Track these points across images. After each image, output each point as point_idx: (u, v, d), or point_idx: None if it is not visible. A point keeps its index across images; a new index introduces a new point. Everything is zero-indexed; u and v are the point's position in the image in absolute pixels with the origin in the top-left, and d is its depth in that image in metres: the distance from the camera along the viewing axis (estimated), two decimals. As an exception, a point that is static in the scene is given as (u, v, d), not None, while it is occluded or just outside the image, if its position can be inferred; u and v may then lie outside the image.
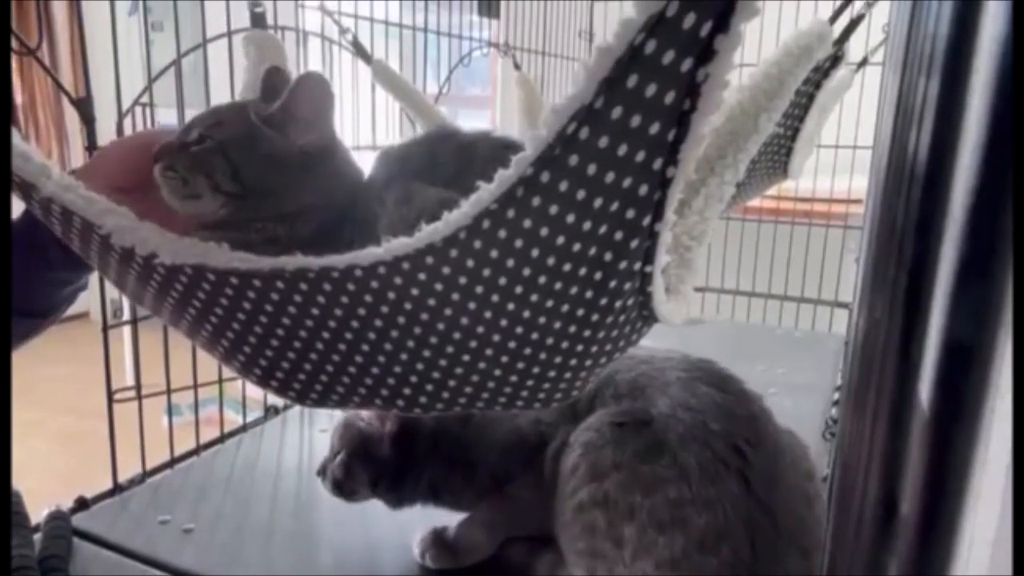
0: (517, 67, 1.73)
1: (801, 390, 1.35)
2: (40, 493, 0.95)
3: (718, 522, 0.64)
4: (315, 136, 0.61)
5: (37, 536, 0.87)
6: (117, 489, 1.01)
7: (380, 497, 0.83)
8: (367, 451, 0.82)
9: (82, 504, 0.96)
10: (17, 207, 0.62)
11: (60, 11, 3.30)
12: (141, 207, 0.55)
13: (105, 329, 0.98)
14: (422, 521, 0.89)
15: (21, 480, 0.86)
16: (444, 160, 0.60)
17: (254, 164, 0.59)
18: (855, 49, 1.17)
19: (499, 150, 0.56)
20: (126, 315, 1.06)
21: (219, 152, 0.59)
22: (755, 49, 0.85)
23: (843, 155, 1.85)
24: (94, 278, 0.95)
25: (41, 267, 0.67)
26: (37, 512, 0.91)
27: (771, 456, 0.69)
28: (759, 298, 1.98)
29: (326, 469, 0.85)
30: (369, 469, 0.82)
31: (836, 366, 1.49)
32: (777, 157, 1.13)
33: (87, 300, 0.81)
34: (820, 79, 1.04)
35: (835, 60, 1.03)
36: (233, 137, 0.60)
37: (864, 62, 1.39)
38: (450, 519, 0.88)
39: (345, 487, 0.84)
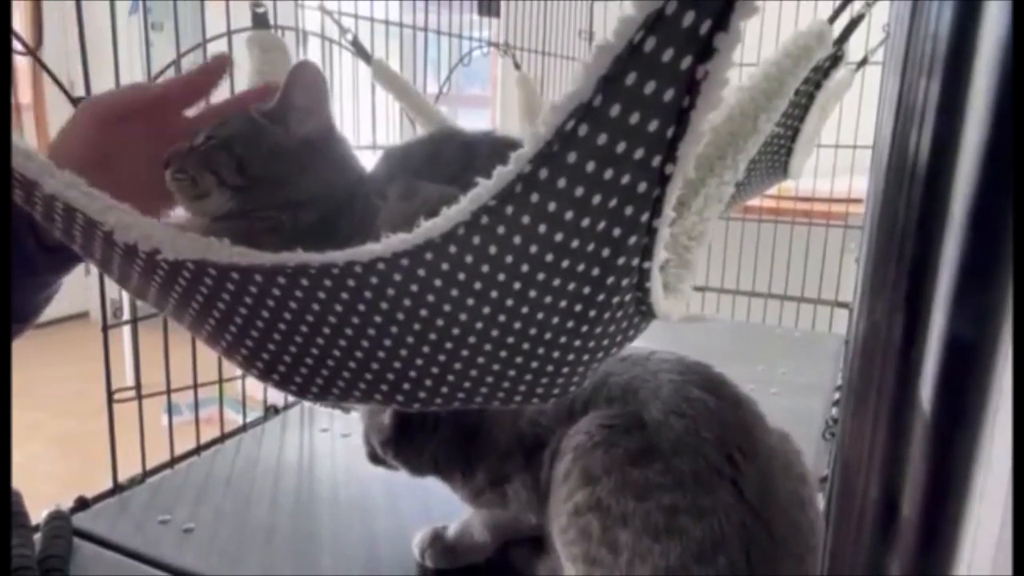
0: (517, 67, 1.73)
1: (801, 390, 1.35)
2: (40, 492, 0.95)
3: (714, 532, 0.64)
4: (314, 124, 0.63)
5: (37, 536, 0.87)
6: (117, 489, 1.01)
7: (398, 464, 0.85)
8: (374, 420, 0.85)
9: (82, 504, 0.97)
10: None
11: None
12: (105, 181, 0.55)
13: (105, 329, 0.98)
14: (422, 521, 0.89)
15: (21, 479, 0.86)
16: (447, 159, 0.60)
17: (258, 156, 0.62)
18: (855, 49, 1.17)
19: (500, 148, 0.56)
20: (126, 315, 1.06)
21: (224, 148, 0.62)
22: (755, 49, 0.85)
23: (843, 155, 1.85)
24: (94, 278, 0.96)
25: (24, 272, 0.68)
26: (37, 512, 0.91)
27: (764, 464, 0.69)
28: (759, 298, 1.98)
29: None
30: (377, 436, 0.84)
31: (836, 366, 1.49)
32: (777, 157, 1.13)
33: (87, 300, 0.81)
34: (820, 79, 1.04)
35: (835, 60, 1.03)
36: (236, 133, 0.62)
37: (864, 62, 1.40)
38: (450, 519, 0.88)
39: (370, 454, 0.87)
